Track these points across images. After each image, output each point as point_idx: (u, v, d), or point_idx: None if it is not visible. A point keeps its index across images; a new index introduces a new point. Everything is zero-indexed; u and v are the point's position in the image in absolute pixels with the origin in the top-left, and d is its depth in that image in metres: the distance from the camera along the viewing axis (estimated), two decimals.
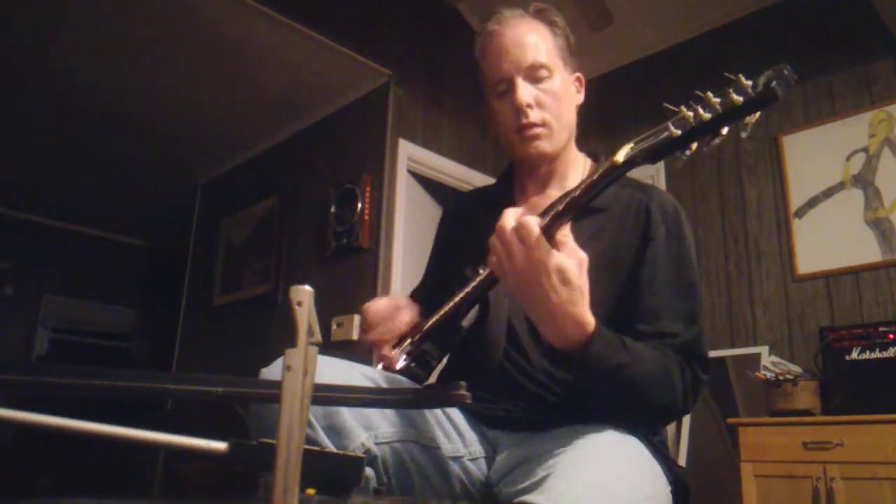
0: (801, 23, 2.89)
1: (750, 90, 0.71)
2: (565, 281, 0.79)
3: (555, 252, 0.79)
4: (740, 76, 0.72)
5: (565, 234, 0.82)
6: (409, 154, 3.15)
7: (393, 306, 1.08)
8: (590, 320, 0.84)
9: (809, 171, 2.76)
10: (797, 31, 2.89)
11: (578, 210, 0.82)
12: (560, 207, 0.82)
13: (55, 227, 5.23)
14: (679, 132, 0.76)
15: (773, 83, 0.70)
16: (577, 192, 0.82)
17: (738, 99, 0.72)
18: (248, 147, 4.03)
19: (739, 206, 2.95)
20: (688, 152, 0.78)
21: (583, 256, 0.81)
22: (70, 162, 4.36)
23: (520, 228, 0.80)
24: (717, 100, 0.73)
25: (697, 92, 0.75)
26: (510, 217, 0.82)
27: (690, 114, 0.75)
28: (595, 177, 0.82)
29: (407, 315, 1.08)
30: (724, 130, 0.75)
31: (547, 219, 0.82)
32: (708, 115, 0.74)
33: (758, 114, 0.73)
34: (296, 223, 3.54)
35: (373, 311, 1.08)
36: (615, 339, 0.88)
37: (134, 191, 4.79)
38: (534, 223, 0.80)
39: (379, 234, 2.99)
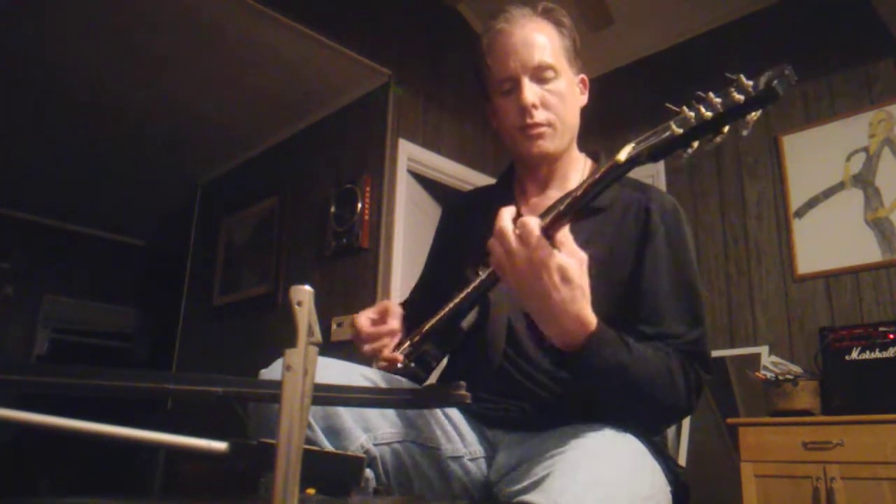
0: (801, 23, 2.88)
1: (751, 89, 0.72)
2: (566, 280, 0.80)
3: (555, 251, 0.80)
4: (741, 76, 0.73)
5: (565, 234, 0.82)
6: (409, 154, 3.15)
7: (380, 315, 1.09)
8: (591, 318, 0.83)
9: (809, 171, 2.76)
10: (797, 31, 2.88)
11: (580, 210, 0.82)
12: (561, 208, 0.82)
13: (55, 227, 5.23)
14: (681, 130, 0.77)
15: (775, 82, 0.71)
16: (579, 191, 0.83)
17: (740, 98, 0.73)
18: (248, 147, 4.03)
19: (739, 206, 2.95)
20: (689, 151, 0.78)
21: (583, 256, 0.82)
22: (70, 162, 4.36)
23: (520, 229, 0.80)
24: (719, 99, 0.74)
25: (699, 92, 0.76)
26: (507, 218, 0.82)
27: (692, 113, 0.76)
28: (597, 176, 0.82)
29: (394, 322, 1.08)
30: (726, 129, 0.76)
31: (548, 219, 0.82)
32: (710, 114, 0.75)
33: (758, 112, 0.74)
34: (296, 223, 3.54)
35: (360, 325, 1.08)
36: (617, 338, 0.87)
37: (134, 191, 4.79)
38: (534, 224, 0.80)
39: (379, 234, 2.99)
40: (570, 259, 0.80)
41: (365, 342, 1.08)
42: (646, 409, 0.92)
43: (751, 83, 0.73)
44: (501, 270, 0.83)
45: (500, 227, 0.82)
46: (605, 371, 0.85)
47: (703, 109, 0.75)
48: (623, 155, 0.80)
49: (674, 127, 0.77)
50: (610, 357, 0.85)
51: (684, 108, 0.77)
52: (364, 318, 1.09)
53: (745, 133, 0.76)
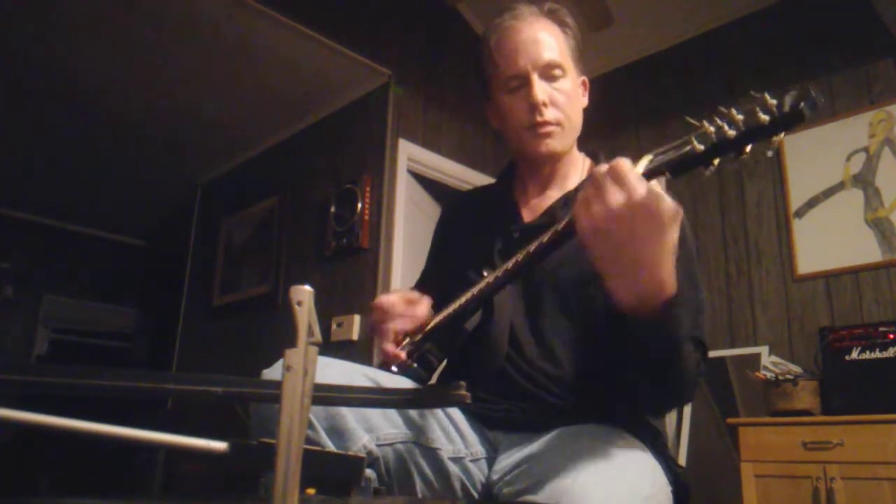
0: (801, 23, 2.88)
1: (776, 110, 0.69)
2: (660, 228, 0.71)
3: (655, 191, 0.71)
4: (766, 95, 0.70)
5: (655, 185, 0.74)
6: (409, 154, 3.15)
7: (407, 299, 1.06)
8: (673, 280, 0.75)
9: (809, 171, 2.75)
10: (797, 31, 2.88)
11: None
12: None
13: (55, 227, 5.22)
14: (702, 147, 0.74)
15: (801, 104, 0.68)
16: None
17: (764, 118, 0.70)
18: (248, 147, 4.03)
19: (739, 206, 2.94)
20: (711, 168, 0.75)
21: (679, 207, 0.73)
22: (70, 162, 4.36)
23: (614, 169, 0.72)
24: (741, 117, 0.71)
25: (720, 107, 0.73)
26: (603, 167, 0.75)
27: (713, 129, 0.73)
28: None
29: (423, 307, 1.05)
30: (748, 148, 0.72)
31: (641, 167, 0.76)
32: (733, 133, 0.72)
33: (783, 133, 0.71)
34: (296, 223, 3.54)
35: (389, 303, 1.05)
36: (690, 308, 0.81)
37: (134, 191, 4.79)
38: (629, 164, 0.73)
39: (379, 234, 2.99)
40: (670, 202, 0.71)
41: (391, 319, 1.03)
42: (678, 384, 0.87)
43: (775, 102, 0.70)
44: (588, 215, 0.73)
45: (593, 174, 0.75)
46: (673, 340, 0.79)
47: (725, 126, 0.72)
48: (641, 167, 0.76)
49: (695, 143, 0.74)
50: (682, 326, 0.78)
51: (704, 122, 0.74)
52: (396, 296, 1.06)
53: (769, 154, 0.73)
